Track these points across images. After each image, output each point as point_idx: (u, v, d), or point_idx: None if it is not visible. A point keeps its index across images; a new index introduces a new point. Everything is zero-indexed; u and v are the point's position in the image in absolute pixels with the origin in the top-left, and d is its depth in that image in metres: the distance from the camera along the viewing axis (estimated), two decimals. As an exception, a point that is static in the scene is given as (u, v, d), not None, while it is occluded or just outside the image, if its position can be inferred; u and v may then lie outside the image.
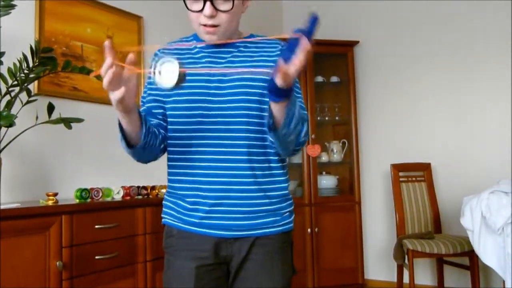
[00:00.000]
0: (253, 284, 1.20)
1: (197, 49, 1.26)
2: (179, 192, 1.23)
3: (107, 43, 0.92)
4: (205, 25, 1.16)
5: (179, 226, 1.22)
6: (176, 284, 1.21)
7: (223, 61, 1.23)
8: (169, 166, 1.27)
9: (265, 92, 1.17)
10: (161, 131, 1.23)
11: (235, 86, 1.19)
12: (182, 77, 0.97)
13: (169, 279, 1.24)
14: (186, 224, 1.21)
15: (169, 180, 1.27)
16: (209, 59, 1.23)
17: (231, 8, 1.14)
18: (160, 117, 1.25)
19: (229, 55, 1.24)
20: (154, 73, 0.97)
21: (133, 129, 1.10)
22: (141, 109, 1.25)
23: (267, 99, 1.09)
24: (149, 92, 1.28)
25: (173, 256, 1.24)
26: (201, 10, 1.14)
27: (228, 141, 1.18)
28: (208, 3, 1.12)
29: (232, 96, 1.19)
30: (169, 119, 1.25)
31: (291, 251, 1.29)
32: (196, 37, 1.28)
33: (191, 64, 1.22)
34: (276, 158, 1.24)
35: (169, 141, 1.26)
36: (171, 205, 1.26)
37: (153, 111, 1.25)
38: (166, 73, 0.97)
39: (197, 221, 1.20)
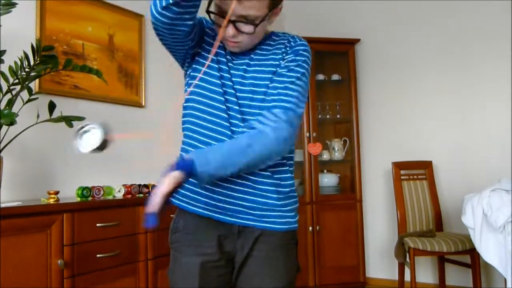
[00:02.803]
0: (257, 281, 1.21)
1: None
2: None
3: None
4: (227, 40, 1.20)
5: (189, 208, 1.22)
6: (181, 280, 1.22)
7: (240, 64, 1.26)
8: (191, 145, 1.25)
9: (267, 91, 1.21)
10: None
11: (253, 83, 1.23)
12: (103, 145, 1.04)
13: (174, 274, 1.24)
14: (196, 207, 1.21)
15: None
16: (229, 58, 1.26)
17: (252, 32, 1.17)
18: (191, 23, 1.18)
19: (247, 58, 1.27)
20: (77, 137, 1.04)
21: None
22: None
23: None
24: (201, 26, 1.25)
25: (179, 252, 1.24)
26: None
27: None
28: (230, 25, 1.15)
29: (249, 92, 1.22)
30: (189, 108, 1.25)
31: (295, 249, 1.29)
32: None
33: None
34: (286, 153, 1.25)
35: (186, 132, 1.26)
36: (186, 185, 1.23)
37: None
38: (88, 138, 1.04)
39: (203, 205, 1.20)
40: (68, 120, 2.12)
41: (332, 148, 3.95)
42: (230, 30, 1.16)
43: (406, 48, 3.90)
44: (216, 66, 1.23)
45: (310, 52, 1.26)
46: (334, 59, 4.10)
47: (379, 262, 3.94)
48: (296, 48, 1.25)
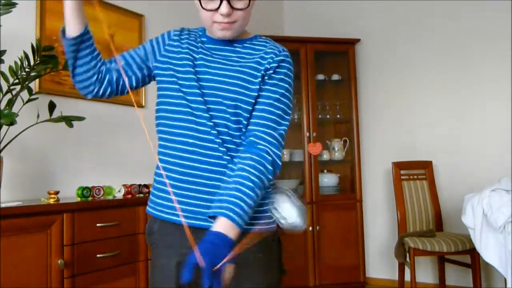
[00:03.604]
0: (234, 284, 1.17)
1: (199, 44, 1.26)
2: (165, 180, 1.20)
3: None
4: (220, 22, 1.17)
5: (159, 215, 1.21)
6: (159, 280, 1.20)
7: (218, 59, 1.23)
8: (160, 153, 1.25)
9: (239, 97, 1.18)
10: (110, 66, 1.28)
11: (213, 87, 1.19)
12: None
13: (153, 275, 1.23)
14: (164, 214, 1.20)
15: (159, 167, 1.24)
16: (204, 55, 1.23)
17: (247, 6, 1.16)
18: (132, 66, 1.28)
19: (225, 53, 1.24)
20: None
21: (74, 19, 1.23)
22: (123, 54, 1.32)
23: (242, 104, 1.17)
24: (142, 51, 1.31)
25: (155, 254, 1.23)
26: (217, 9, 1.15)
27: (207, 136, 1.16)
28: (224, 2, 1.13)
29: (211, 97, 1.19)
30: (160, 114, 1.24)
31: (277, 250, 1.25)
32: (204, 33, 1.29)
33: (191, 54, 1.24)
34: None
35: (160, 135, 1.25)
36: (158, 193, 1.23)
37: (131, 61, 1.29)
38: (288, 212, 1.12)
39: (171, 211, 1.18)
40: (68, 120, 2.12)
41: (332, 148, 3.95)
42: (224, 9, 1.13)
43: (406, 48, 3.90)
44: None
45: (292, 64, 1.27)
46: (334, 59, 4.10)
47: (379, 262, 3.95)
48: (282, 58, 1.23)
